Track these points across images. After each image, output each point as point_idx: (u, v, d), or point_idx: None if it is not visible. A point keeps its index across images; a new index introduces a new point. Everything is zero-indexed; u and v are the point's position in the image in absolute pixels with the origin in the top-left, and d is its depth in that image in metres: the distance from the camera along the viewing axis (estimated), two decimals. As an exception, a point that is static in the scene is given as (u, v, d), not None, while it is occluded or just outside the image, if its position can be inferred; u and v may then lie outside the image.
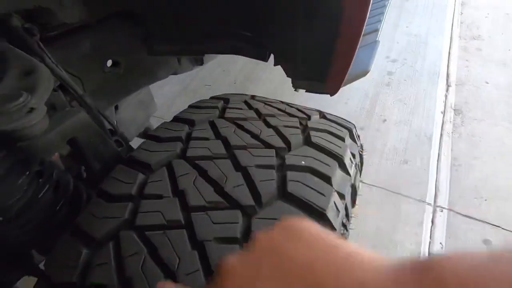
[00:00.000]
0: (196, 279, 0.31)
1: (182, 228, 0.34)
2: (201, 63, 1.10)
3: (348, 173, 0.44)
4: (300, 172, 0.39)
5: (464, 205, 1.37)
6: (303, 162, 0.41)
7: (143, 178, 0.41)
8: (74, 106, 0.65)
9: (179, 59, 1.01)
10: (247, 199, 0.36)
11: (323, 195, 0.37)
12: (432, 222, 1.33)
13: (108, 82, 0.81)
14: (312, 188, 0.37)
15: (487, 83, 1.84)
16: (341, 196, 0.40)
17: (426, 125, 1.68)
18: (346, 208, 0.41)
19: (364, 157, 1.66)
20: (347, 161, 0.44)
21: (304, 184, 0.38)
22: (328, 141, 0.46)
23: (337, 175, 0.41)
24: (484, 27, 2.24)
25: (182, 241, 0.33)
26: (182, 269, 0.32)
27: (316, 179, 0.39)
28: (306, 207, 0.36)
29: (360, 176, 0.58)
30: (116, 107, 1.03)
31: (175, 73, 1.05)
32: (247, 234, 0.33)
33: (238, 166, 0.40)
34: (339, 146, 0.45)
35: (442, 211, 1.36)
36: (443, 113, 1.72)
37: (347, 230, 0.40)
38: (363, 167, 1.53)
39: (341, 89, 2.15)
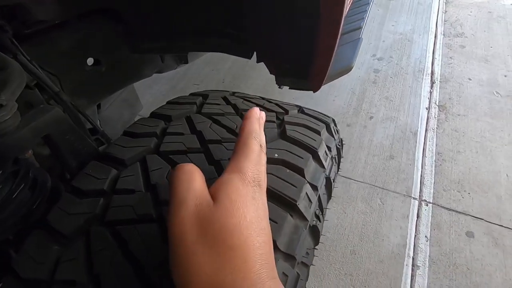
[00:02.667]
0: (166, 271, 0.31)
1: (153, 222, 0.34)
2: (185, 61, 1.09)
3: (322, 166, 0.44)
4: (273, 165, 0.40)
5: (448, 199, 1.39)
6: (276, 155, 0.41)
7: (116, 173, 0.40)
8: (52, 105, 0.64)
9: (163, 57, 1.01)
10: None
11: (295, 186, 0.38)
12: (418, 215, 1.35)
13: (89, 81, 0.80)
14: (284, 180, 0.38)
15: (470, 79, 1.88)
16: (314, 188, 0.41)
17: (412, 121, 1.71)
18: (319, 200, 0.41)
19: (352, 153, 1.68)
20: (321, 154, 0.45)
21: (276, 176, 0.38)
22: (303, 134, 0.46)
23: (311, 167, 0.42)
24: (467, 25, 2.28)
25: (152, 235, 0.33)
26: (152, 263, 0.31)
27: (288, 171, 0.39)
28: (278, 199, 0.36)
29: (338, 169, 0.59)
30: (99, 106, 1.02)
31: (159, 72, 1.04)
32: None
33: (211, 160, 0.40)
34: (313, 139, 0.46)
35: (427, 204, 1.39)
36: (428, 109, 1.76)
37: (320, 221, 0.41)
38: (353, 164, 1.54)
39: (329, 86, 2.19)
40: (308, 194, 0.39)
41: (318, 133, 0.48)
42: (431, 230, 1.31)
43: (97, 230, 0.35)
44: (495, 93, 1.80)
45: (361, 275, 1.21)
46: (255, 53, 0.77)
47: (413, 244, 1.27)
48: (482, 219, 1.32)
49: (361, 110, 1.78)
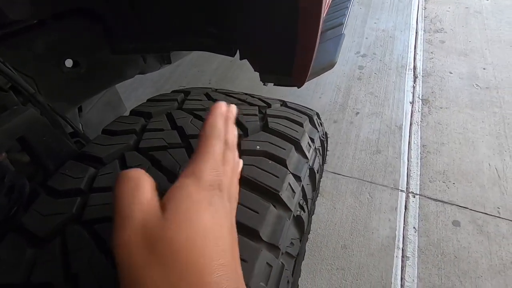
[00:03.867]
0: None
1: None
2: (168, 61, 1.08)
3: (305, 156, 0.44)
4: (255, 157, 0.39)
5: (434, 189, 1.42)
6: (258, 147, 0.41)
7: (94, 172, 0.39)
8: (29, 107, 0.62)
9: (145, 57, 0.99)
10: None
11: (277, 177, 0.37)
12: (406, 207, 1.38)
13: (68, 83, 0.78)
14: (266, 171, 0.38)
15: (451, 73, 1.93)
16: (297, 178, 0.40)
17: (396, 115, 1.74)
18: (303, 190, 0.41)
19: (339, 149, 1.69)
20: (304, 145, 0.45)
21: (259, 168, 0.38)
22: (285, 126, 0.46)
23: (293, 158, 0.42)
24: (446, 20, 2.35)
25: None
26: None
27: (270, 162, 0.39)
28: (260, 190, 0.36)
29: (323, 162, 0.59)
30: (80, 109, 0.99)
31: (142, 73, 1.02)
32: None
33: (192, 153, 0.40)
34: (296, 131, 0.46)
35: (414, 196, 1.41)
36: (412, 103, 1.79)
37: (304, 211, 0.41)
38: (341, 160, 1.55)
39: (315, 84, 2.20)
40: (291, 185, 0.39)
41: (301, 124, 0.48)
42: (419, 221, 1.33)
43: (74, 230, 0.33)
44: (475, 85, 1.85)
45: (353, 269, 1.21)
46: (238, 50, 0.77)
47: (402, 235, 1.29)
48: (467, 208, 1.35)
49: (347, 106, 1.81)
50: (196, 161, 0.27)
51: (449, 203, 1.37)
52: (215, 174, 0.26)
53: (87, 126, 1.02)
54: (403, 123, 1.69)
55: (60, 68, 0.75)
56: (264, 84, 0.94)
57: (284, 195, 0.37)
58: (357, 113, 1.77)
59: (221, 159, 0.28)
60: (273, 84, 0.86)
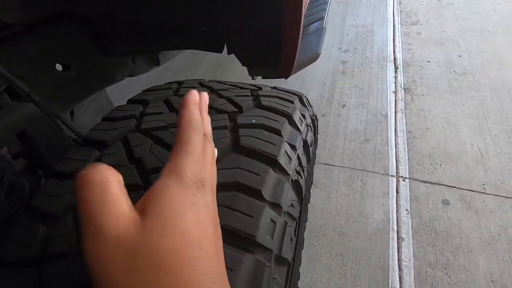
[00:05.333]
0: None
1: (141, 189, 0.35)
2: (157, 63, 1.10)
3: (298, 129, 0.47)
4: (251, 129, 0.42)
5: (422, 172, 1.48)
6: (254, 121, 0.43)
7: (98, 154, 0.41)
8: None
9: (134, 59, 1.01)
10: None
11: (274, 144, 0.40)
12: (397, 191, 1.42)
13: (60, 86, 0.79)
14: (263, 140, 0.40)
15: (429, 62, 2.02)
16: (292, 147, 0.43)
17: (381, 105, 1.80)
18: (299, 158, 0.44)
19: (329, 141, 1.73)
20: (296, 119, 0.48)
21: (256, 137, 0.40)
22: (277, 103, 0.49)
23: (287, 129, 0.45)
24: (421, 13, 2.45)
25: (141, 200, 0.34)
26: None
27: (266, 132, 0.42)
28: (259, 156, 0.38)
29: (315, 139, 0.62)
30: (72, 114, 1.00)
31: (132, 75, 1.04)
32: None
33: (192, 131, 0.42)
34: (287, 107, 0.49)
35: (404, 180, 1.46)
36: (395, 92, 1.86)
37: (301, 177, 0.43)
38: (332, 151, 1.58)
39: (301, 81, 2.25)
40: (287, 152, 0.41)
41: (292, 102, 0.51)
42: (410, 203, 1.38)
43: (85, 205, 0.35)
44: (452, 72, 1.94)
45: (351, 254, 1.24)
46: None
47: (395, 218, 1.33)
48: (455, 187, 1.41)
49: (334, 100, 1.86)
50: (176, 158, 0.24)
51: (438, 184, 1.43)
52: (198, 170, 0.24)
53: (80, 130, 1.02)
54: (388, 112, 1.75)
55: (51, 72, 0.76)
56: (252, 79, 0.97)
57: (282, 160, 0.39)
58: (344, 105, 1.82)
59: (202, 152, 0.26)
60: (261, 77, 0.89)
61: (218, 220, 0.24)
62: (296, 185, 0.41)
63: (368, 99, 1.84)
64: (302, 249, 1.15)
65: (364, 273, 1.19)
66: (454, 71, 1.94)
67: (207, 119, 0.29)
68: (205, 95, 0.31)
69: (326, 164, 1.55)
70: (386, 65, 2.03)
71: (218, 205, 0.32)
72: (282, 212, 0.36)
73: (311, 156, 0.51)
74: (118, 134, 0.43)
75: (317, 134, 0.66)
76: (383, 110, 1.77)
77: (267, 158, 0.38)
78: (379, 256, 1.23)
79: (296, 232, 0.67)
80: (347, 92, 1.89)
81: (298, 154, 0.44)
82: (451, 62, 2.00)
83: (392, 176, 1.48)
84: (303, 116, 0.52)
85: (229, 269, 0.29)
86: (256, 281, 0.30)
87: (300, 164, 0.44)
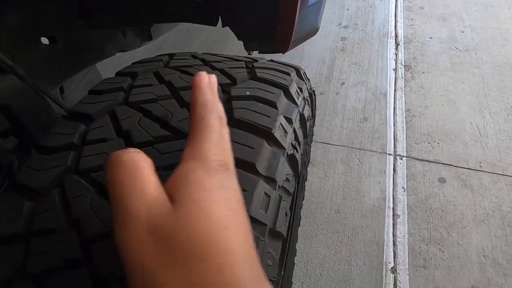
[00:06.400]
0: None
1: (129, 163, 0.34)
2: (149, 37, 1.05)
3: (294, 102, 0.45)
4: (246, 101, 0.40)
5: (420, 150, 1.47)
6: (248, 93, 0.41)
7: (84, 128, 0.39)
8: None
9: (125, 33, 0.96)
10: (193, 129, 0.36)
11: (269, 116, 0.38)
12: (394, 169, 1.42)
13: (46, 61, 0.75)
14: (257, 112, 0.38)
15: (431, 38, 1.96)
16: (288, 120, 0.41)
17: (381, 83, 1.76)
18: (295, 132, 0.42)
19: (327, 120, 1.71)
20: (293, 92, 0.46)
21: (250, 110, 0.38)
22: (273, 75, 0.47)
23: (283, 101, 0.42)
24: (424, -13, 2.36)
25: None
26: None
27: (261, 104, 0.40)
28: (253, 129, 0.37)
29: (313, 114, 0.60)
30: (62, 90, 0.97)
31: (123, 50, 0.99)
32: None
33: (183, 103, 0.40)
34: (284, 79, 0.46)
35: (401, 158, 1.46)
36: (395, 70, 1.82)
37: (297, 152, 0.42)
38: (329, 130, 1.57)
39: (299, 58, 2.19)
40: (283, 125, 0.40)
41: (288, 74, 0.49)
42: (407, 181, 1.38)
43: (71, 180, 0.34)
44: (454, 48, 1.89)
45: (347, 231, 1.26)
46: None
47: (392, 196, 1.34)
48: (452, 165, 1.41)
49: (332, 77, 1.82)
50: (197, 141, 0.23)
51: (435, 162, 1.43)
52: (221, 153, 0.23)
53: (70, 107, 0.99)
54: (388, 90, 1.72)
55: (36, 45, 0.73)
56: (248, 53, 0.94)
57: (277, 133, 0.38)
58: (343, 83, 1.78)
59: (220, 134, 0.25)
60: (257, 52, 0.85)
61: (244, 209, 0.23)
62: (291, 159, 0.40)
63: (367, 76, 1.80)
64: (299, 226, 1.16)
65: (359, 249, 1.21)
66: (456, 48, 1.89)
67: (220, 103, 0.28)
68: (214, 78, 0.30)
69: (324, 143, 1.54)
70: (387, 42, 1.97)
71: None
72: (277, 186, 0.35)
73: (308, 131, 0.50)
74: (105, 107, 0.41)
75: (315, 109, 0.64)
76: (383, 88, 1.74)
77: (261, 131, 0.37)
78: (374, 232, 1.25)
79: (293, 208, 0.67)
80: (346, 70, 1.85)
81: (294, 127, 0.42)
82: (453, 38, 1.95)
83: (389, 154, 1.48)
84: (300, 89, 0.50)
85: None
86: None
87: (296, 138, 0.43)
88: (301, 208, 1.15)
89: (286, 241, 0.56)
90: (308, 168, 1.51)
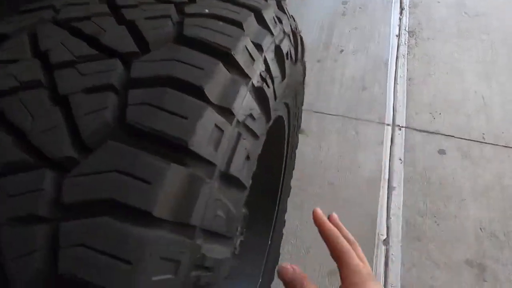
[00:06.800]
0: (56, 135, 0.23)
1: (41, 87, 0.26)
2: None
3: (269, 30, 0.37)
4: (201, 18, 0.31)
5: (420, 121, 1.39)
6: (207, 10, 0.33)
7: (-4, 47, 0.31)
8: None
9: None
10: (128, 47, 0.28)
11: (230, 36, 0.30)
12: (392, 140, 1.35)
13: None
14: (215, 31, 0.30)
15: (438, 2, 1.82)
16: (258, 47, 0.33)
17: (382, 50, 1.65)
18: (266, 63, 0.34)
19: (324, 89, 1.61)
20: (267, 17, 0.37)
21: (205, 27, 0.30)
22: (245, -3, 0.38)
23: (252, 24, 0.34)
24: None
25: (39, 100, 0.25)
26: (38, 127, 0.24)
27: (221, 23, 0.31)
28: (206, 48, 0.28)
29: (296, 59, 0.52)
30: None
31: None
32: (127, 82, 0.26)
33: (122, 20, 0.31)
34: (257, 2, 0.38)
35: (400, 129, 1.38)
36: (398, 36, 1.70)
37: (268, 87, 0.34)
38: (326, 100, 1.46)
39: (296, 22, 2.02)
40: (249, 50, 0.31)
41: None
42: (405, 152, 1.31)
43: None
44: (463, 13, 1.75)
45: (340, 203, 1.21)
46: None
47: (388, 167, 1.28)
48: (453, 136, 1.34)
49: (331, 44, 1.70)
50: (347, 268, 0.29)
51: (435, 133, 1.35)
52: (366, 269, 0.29)
53: None
54: (389, 58, 1.61)
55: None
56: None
57: (239, 57, 0.30)
58: (342, 50, 1.67)
59: (356, 249, 0.32)
60: None
61: None
62: (259, 93, 0.32)
63: (368, 43, 1.68)
64: (288, 196, 1.11)
65: (351, 221, 1.16)
66: (465, 13, 1.75)
67: (347, 234, 0.34)
68: (335, 216, 0.37)
69: (319, 112, 1.45)
70: (391, 6, 1.83)
71: (140, 104, 0.23)
72: (235, 120, 0.27)
73: (286, 72, 0.41)
74: (26, 25, 0.32)
75: (302, 55, 0.55)
76: (384, 55, 1.62)
77: (217, 51, 0.28)
78: (368, 205, 1.20)
79: (281, 176, 0.59)
80: (346, 36, 1.72)
81: (266, 57, 0.34)
82: (462, 3, 1.80)
83: (387, 125, 1.40)
84: (279, 19, 0.41)
85: (146, 182, 0.21)
86: (188, 199, 0.22)
87: (268, 70, 0.34)
88: (291, 177, 1.08)
89: (254, 195, 0.48)
90: (302, 138, 1.44)
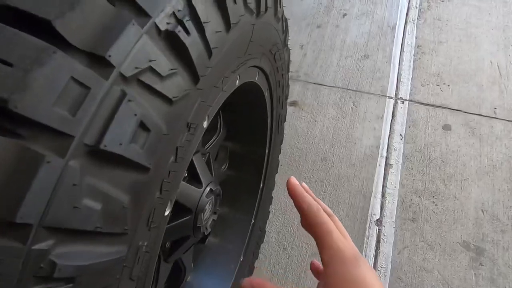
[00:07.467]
0: None
1: None
2: None
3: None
4: None
5: (425, 94, 1.27)
6: None
7: None
8: None
9: None
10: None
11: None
12: (393, 115, 1.24)
13: None
14: None
15: (458, -42, 1.61)
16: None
17: (390, 14, 1.49)
18: (188, 2, 0.25)
19: (322, 57, 1.48)
20: None
21: None
22: None
23: None
24: None
25: None
26: None
27: None
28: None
29: (267, 1, 0.41)
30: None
31: None
32: None
33: None
34: None
35: (403, 102, 1.27)
36: (409, -2, 1.52)
37: (188, 34, 0.25)
38: (323, 69, 1.33)
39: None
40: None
41: None
42: (406, 127, 1.21)
43: None
44: (485, -29, 1.55)
45: (332, 180, 1.14)
46: None
47: (386, 144, 1.19)
48: (461, 110, 1.22)
49: (333, 7, 1.54)
50: (325, 241, 0.28)
51: (441, 107, 1.24)
52: (350, 246, 0.28)
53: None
54: (397, 22, 1.45)
55: None
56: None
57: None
58: (345, 14, 1.51)
59: (339, 230, 0.29)
60: None
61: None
62: (169, 40, 0.23)
63: (375, 6, 1.52)
64: (276, 172, 1.04)
65: (344, 199, 1.09)
66: (488, -30, 1.55)
67: (318, 201, 0.32)
68: (304, 185, 0.33)
69: (315, 83, 1.34)
70: (404, -37, 1.63)
71: None
72: (116, 74, 0.19)
73: (232, 20, 0.32)
74: None
75: (277, 4, 0.45)
76: (392, 20, 1.47)
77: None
78: (362, 182, 1.12)
79: (267, 150, 0.52)
80: (351, -2, 1.56)
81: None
82: (486, -42, 1.59)
83: (389, 97, 1.28)
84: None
85: None
86: (14, 186, 0.15)
87: (190, 10, 0.25)
88: (279, 152, 1.00)
89: (157, 178, 0.38)
90: (296, 111, 1.34)
